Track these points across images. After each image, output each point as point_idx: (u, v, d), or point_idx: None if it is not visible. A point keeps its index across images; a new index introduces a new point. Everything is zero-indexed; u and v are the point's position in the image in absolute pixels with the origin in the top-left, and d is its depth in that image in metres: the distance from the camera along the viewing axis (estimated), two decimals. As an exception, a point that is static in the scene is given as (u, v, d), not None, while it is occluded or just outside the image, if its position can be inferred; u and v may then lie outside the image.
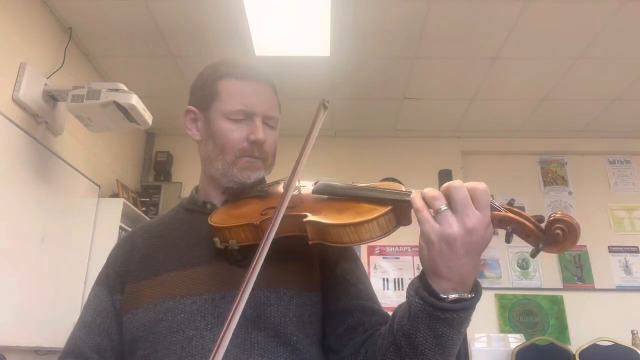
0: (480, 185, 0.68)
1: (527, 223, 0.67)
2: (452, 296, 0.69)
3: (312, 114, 0.80)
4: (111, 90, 2.52)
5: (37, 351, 2.65)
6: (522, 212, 0.69)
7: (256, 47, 3.10)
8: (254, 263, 0.71)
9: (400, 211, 0.75)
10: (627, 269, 4.02)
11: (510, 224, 0.68)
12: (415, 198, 0.71)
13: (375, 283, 3.88)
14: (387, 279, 3.96)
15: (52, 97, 2.73)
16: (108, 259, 1.01)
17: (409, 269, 3.97)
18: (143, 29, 3.03)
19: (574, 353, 3.29)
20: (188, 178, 4.10)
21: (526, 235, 0.67)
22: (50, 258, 2.70)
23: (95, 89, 2.52)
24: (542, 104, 3.86)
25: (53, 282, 2.72)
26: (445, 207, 0.68)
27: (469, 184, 0.69)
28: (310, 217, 0.78)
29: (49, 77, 2.79)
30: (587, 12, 2.86)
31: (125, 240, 1.02)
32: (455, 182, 0.69)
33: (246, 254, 0.86)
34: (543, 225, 0.67)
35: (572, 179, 4.33)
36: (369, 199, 0.78)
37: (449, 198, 0.68)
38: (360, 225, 0.74)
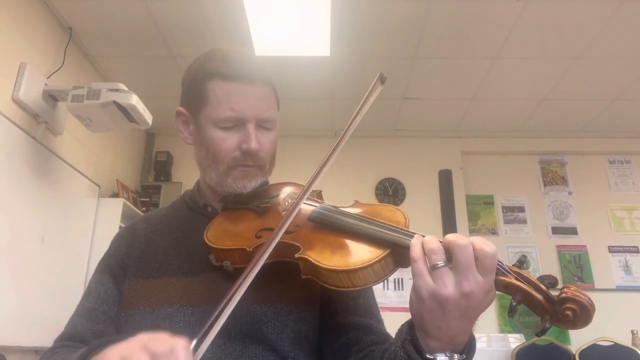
0: (488, 248, 0.61)
1: (536, 294, 0.61)
2: (440, 358, 0.65)
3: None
4: (111, 90, 2.52)
5: (37, 351, 2.64)
6: (532, 279, 0.62)
7: (256, 47, 3.10)
8: (234, 290, 0.67)
9: (399, 254, 0.70)
10: (627, 269, 4.01)
11: (516, 292, 0.62)
12: (415, 245, 0.65)
13: (375, 283, 3.86)
14: (387, 278, 3.95)
15: (52, 97, 2.73)
16: (110, 248, 0.99)
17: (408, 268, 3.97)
18: (143, 29, 3.03)
19: (574, 353, 3.28)
20: (188, 178, 4.10)
21: (533, 305, 0.62)
22: (50, 258, 2.70)
23: (95, 89, 2.53)
24: (542, 104, 3.86)
25: (53, 282, 2.72)
26: (443, 264, 0.62)
27: (477, 243, 0.62)
28: (303, 254, 0.74)
29: (49, 77, 2.79)
30: (587, 12, 2.86)
31: (128, 231, 0.99)
32: (462, 240, 0.62)
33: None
34: (556, 289, 0.61)
35: (572, 179, 4.33)
36: (367, 237, 0.73)
37: (451, 255, 0.62)
38: (353, 273, 0.69)
